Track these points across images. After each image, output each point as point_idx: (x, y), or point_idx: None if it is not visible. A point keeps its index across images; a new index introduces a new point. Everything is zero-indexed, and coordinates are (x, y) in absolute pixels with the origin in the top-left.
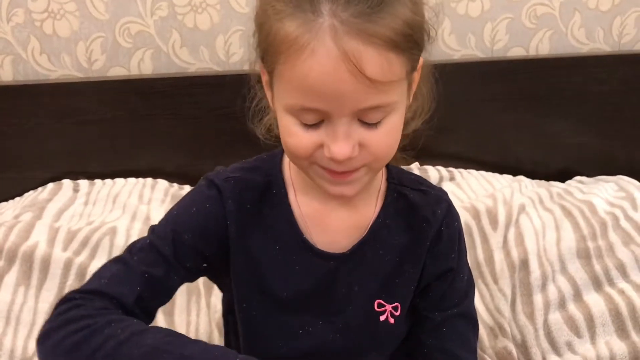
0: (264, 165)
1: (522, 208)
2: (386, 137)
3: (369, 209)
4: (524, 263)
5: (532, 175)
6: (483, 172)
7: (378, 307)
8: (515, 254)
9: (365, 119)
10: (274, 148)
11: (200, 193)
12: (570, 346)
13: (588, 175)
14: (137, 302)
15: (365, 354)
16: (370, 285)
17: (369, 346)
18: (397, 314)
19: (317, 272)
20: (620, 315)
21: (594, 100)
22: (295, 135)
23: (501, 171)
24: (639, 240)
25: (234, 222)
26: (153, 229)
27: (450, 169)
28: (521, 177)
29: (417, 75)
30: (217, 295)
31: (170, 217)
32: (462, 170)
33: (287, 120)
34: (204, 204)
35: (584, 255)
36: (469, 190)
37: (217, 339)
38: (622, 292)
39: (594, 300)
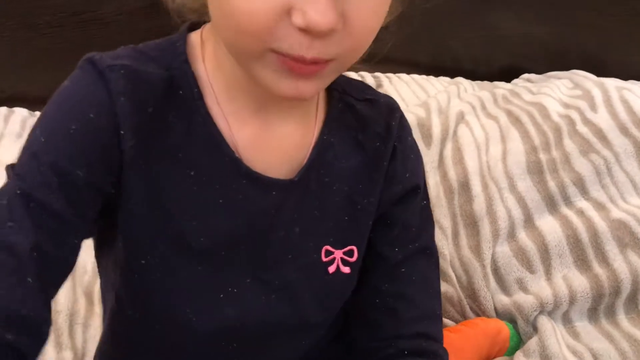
0: (159, 54)
1: (460, 117)
2: (378, 11)
3: (310, 124)
4: (464, 186)
5: (473, 75)
6: (415, 76)
7: (326, 256)
8: (453, 175)
9: None
10: None
11: (78, 89)
12: (521, 283)
13: (537, 72)
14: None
15: (309, 322)
16: (316, 225)
17: (313, 311)
18: (353, 259)
19: (251, 208)
20: (579, 242)
21: None
22: None
23: (437, 73)
24: (599, 147)
25: (130, 131)
26: (16, 171)
27: (377, 74)
28: (460, 79)
29: None
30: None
31: (39, 144)
32: (390, 75)
33: None
34: (87, 109)
35: (536, 170)
36: (399, 98)
37: (84, 309)
38: (581, 212)
39: (549, 226)
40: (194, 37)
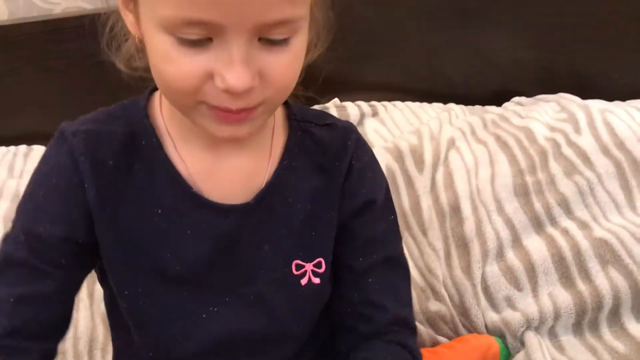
0: (124, 113)
1: (451, 143)
2: (291, 65)
3: (264, 153)
4: (455, 209)
5: (467, 100)
6: (410, 103)
7: (297, 270)
8: (444, 198)
9: (269, 36)
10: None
11: (47, 159)
12: (509, 301)
13: (528, 95)
14: (12, 336)
15: (290, 331)
16: (283, 242)
17: (292, 320)
18: (322, 270)
19: (214, 233)
20: (563, 260)
21: (531, 8)
22: (175, 62)
23: (432, 99)
24: (583, 168)
25: (92, 185)
26: (6, 236)
27: (373, 103)
28: (451, 105)
29: None
30: None
31: (19, 211)
32: (386, 103)
33: (161, 41)
34: (52, 175)
35: (522, 193)
36: (393, 126)
37: (102, 335)
38: (565, 232)
39: (535, 245)
40: (156, 94)
